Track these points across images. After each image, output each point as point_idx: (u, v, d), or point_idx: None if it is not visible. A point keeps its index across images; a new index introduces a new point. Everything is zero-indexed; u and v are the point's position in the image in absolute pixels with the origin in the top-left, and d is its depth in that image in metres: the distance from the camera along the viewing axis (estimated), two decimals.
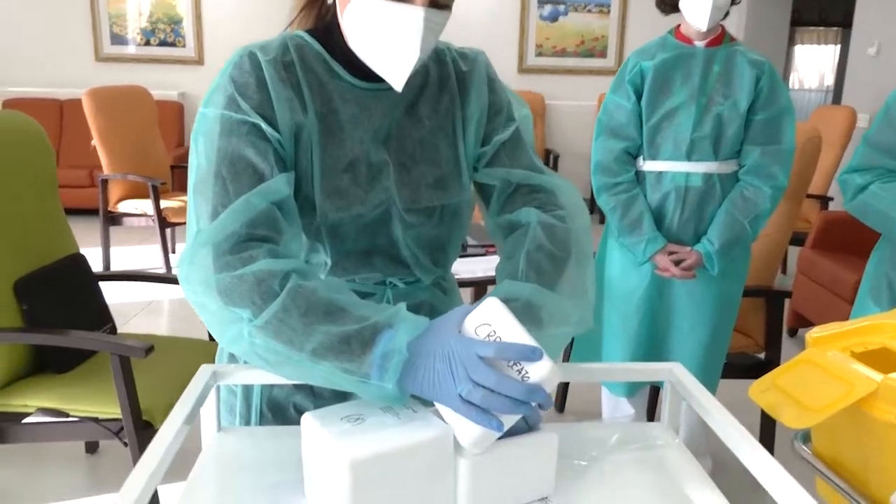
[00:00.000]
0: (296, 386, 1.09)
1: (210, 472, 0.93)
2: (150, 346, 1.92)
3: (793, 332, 3.80)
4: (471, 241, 2.52)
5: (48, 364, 2.14)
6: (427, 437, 0.80)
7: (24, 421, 2.09)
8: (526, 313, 0.93)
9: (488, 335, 0.84)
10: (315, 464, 0.83)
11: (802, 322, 3.72)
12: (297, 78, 1.00)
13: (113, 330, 2.39)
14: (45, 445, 2.61)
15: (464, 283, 2.21)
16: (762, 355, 2.58)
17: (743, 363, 2.59)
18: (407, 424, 0.82)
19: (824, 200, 4.39)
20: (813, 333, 1.15)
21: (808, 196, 4.06)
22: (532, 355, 0.81)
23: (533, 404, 0.81)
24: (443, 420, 0.83)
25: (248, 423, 1.13)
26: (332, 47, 1.04)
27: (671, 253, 2.14)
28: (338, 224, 1.02)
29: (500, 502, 0.86)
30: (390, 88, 1.03)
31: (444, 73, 1.10)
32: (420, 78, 1.08)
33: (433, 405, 0.85)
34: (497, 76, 1.15)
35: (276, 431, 1.04)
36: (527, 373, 0.82)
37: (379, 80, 1.02)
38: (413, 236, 1.08)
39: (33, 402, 2.02)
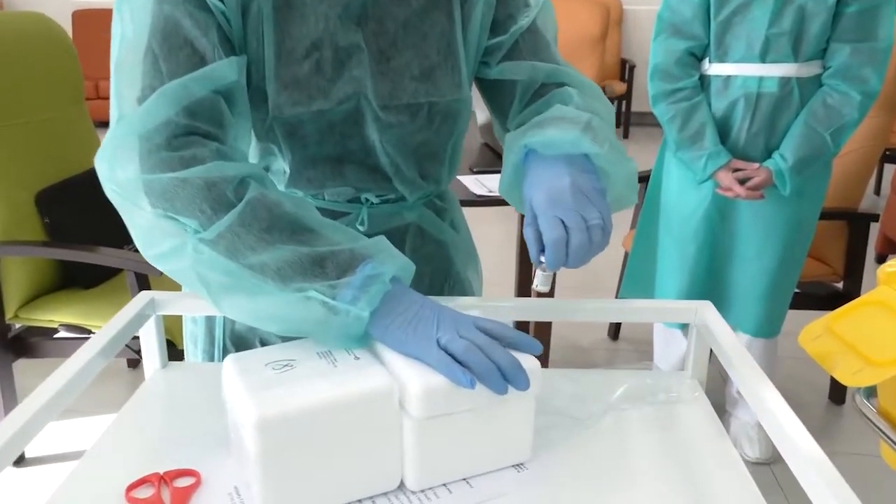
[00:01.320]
0: None
1: (140, 413, 0.81)
2: None
3: (881, 259, 3.46)
4: None
5: (75, 279, 2.10)
6: (363, 391, 0.65)
7: (55, 336, 2.08)
8: (586, 131, 0.81)
9: None
10: (233, 418, 0.69)
11: (894, 248, 3.37)
12: None
13: None
14: None
15: (485, 202, 2.01)
16: (840, 285, 2.32)
17: (818, 293, 2.34)
18: (343, 374, 0.67)
19: None
20: (886, 268, 0.93)
21: None
22: (532, 347, 0.70)
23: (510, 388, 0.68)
24: (383, 369, 0.68)
25: (211, 358, 1.00)
26: None
27: (736, 170, 1.87)
28: (296, 122, 0.85)
29: (459, 471, 0.71)
30: None
31: None
32: None
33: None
34: None
35: None
36: None
37: None
38: (392, 140, 0.90)
39: (58, 318, 1.99)
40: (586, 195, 0.76)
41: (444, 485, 0.70)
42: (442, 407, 0.66)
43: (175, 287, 0.88)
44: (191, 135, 0.77)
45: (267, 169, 0.92)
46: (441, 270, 1.02)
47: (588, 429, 0.79)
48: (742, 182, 1.85)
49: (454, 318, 0.70)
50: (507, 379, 0.67)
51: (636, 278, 2.22)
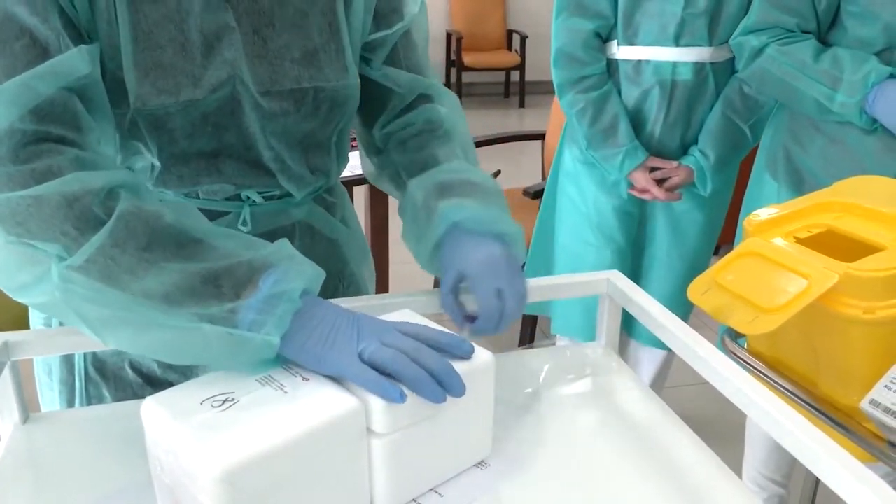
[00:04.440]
0: None
1: (11, 485, 0.66)
2: None
3: None
4: None
5: None
6: (330, 417, 0.57)
7: None
8: (494, 199, 0.81)
9: None
10: (168, 473, 0.57)
11: None
12: None
13: None
14: None
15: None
16: None
17: None
18: (299, 402, 0.58)
19: None
20: (753, 219, 1.00)
21: None
22: (463, 348, 0.64)
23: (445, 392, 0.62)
24: (340, 387, 0.60)
25: (71, 390, 0.85)
26: None
27: (653, 169, 1.68)
28: (162, 115, 0.73)
29: (427, 480, 0.65)
30: None
31: None
32: None
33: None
34: None
35: (108, 413, 0.77)
36: None
37: None
38: (276, 131, 0.80)
39: None
40: (514, 266, 0.76)
41: (414, 500, 0.64)
42: (406, 418, 0.60)
43: None
44: (42, 142, 0.63)
45: (129, 169, 0.78)
46: (335, 272, 0.94)
47: (531, 412, 0.77)
48: (659, 182, 1.69)
49: (375, 325, 0.64)
50: (441, 385, 0.61)
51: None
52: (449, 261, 0.76)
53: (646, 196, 1.70)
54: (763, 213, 1.01)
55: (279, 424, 0.55)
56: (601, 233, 1.76)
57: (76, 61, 0.66)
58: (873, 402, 0.83)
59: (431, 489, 0.66)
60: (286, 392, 0.59)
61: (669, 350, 1.87)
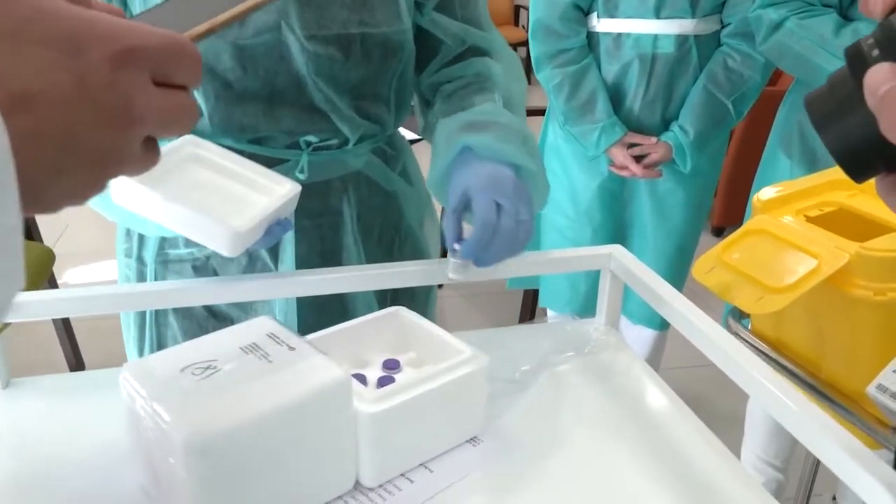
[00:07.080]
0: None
1: None
2: None
3: None
4: None
5: None
6: (317, 388, 0.55)
7: None
8: (516, 137, 0.76)
9: None
10: (145, 441, 0.56)
11: None
12: None
13: None
14: None
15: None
16: None
17: None
18: (284, 371, 0.56)
19: None
20: (762, 196, 0.97)
21: None
22: None
23: None
24: (327, 358, 0.58)
25: (142, 317, 0.89)
26: None
27: (632, 145, 1.65)
28: (211, 56, 0.75)
29: (417, 457, 0.63)
30: None
31: None
32: None
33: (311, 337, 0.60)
34: None
35: (91, 379, 0.75)
36: None
37: None
38: (323, 74, 0.80)
39: None
40: (521, 190, 0.72)
41: (403, 474, 0.62)
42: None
43: None
44: None
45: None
46: (391, 224, 0.94)
47: (527, 389, 0.75)
48: (638, 158, 1.66)
49: None
50: None
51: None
52: (457, 181, 0.74)
53: (624, 173, 1.67)
54: (773, 190, 0.98)
55: (260, 395, 0.53)
56: (581, 208, 1.75)
57: None
58: (880, 387, 0.81)
59: (421, 464, 0.64)
60: (271, 361, 0.57)
61: (660, 330, 1.93)
